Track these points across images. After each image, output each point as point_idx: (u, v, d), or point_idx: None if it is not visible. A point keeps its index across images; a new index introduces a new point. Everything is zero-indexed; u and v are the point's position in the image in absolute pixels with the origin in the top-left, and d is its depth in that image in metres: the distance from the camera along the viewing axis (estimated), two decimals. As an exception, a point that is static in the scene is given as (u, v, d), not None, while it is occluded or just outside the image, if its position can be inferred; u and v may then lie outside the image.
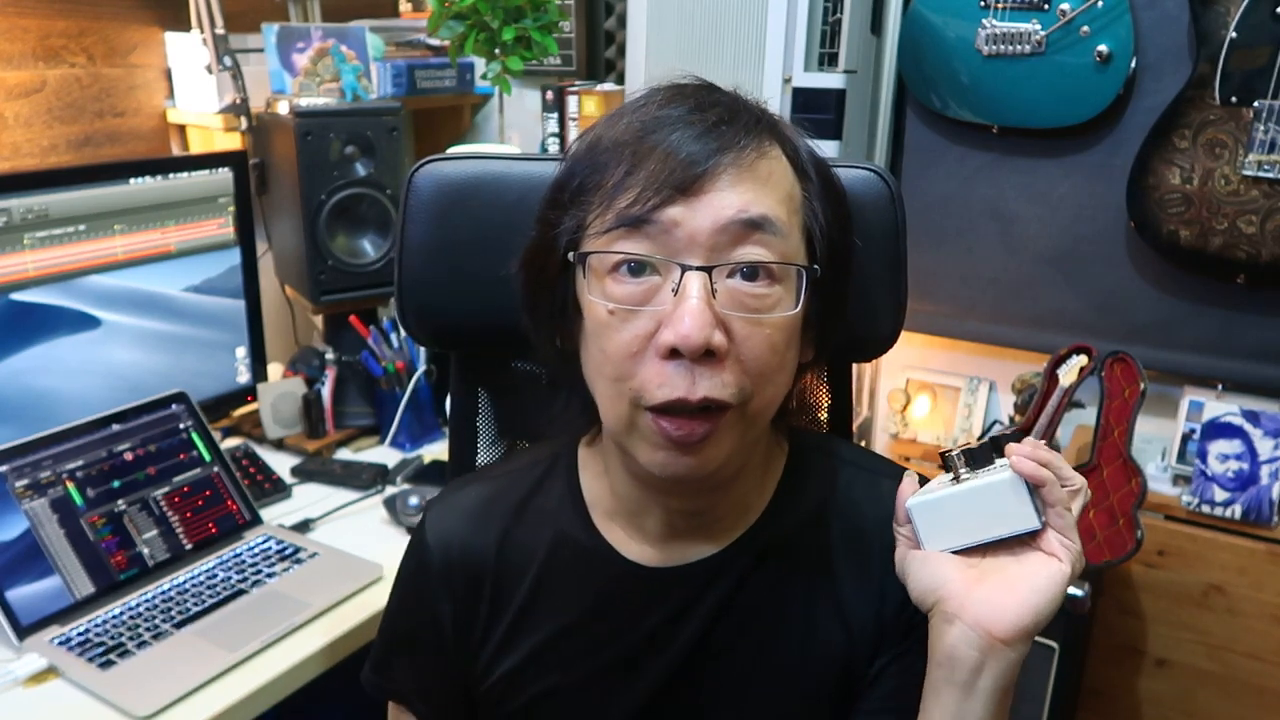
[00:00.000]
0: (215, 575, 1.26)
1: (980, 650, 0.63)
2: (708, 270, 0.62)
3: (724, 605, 0.75)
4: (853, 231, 0.73)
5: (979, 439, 0.69)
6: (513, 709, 0.79)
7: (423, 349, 1.70)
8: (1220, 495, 1.83)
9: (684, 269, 0.62)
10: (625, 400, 0.65)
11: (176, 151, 1.86)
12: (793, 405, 0.72)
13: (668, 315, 0.62)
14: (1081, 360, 1.81)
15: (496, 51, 1.84)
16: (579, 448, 0.81)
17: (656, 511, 0.74)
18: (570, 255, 0.67)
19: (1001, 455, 0.66)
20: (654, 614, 0.75)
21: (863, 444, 2.32)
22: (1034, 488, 0.64)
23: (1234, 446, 1.84)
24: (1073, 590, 1.69)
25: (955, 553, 0.66)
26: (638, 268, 0.64)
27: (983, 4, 1.86)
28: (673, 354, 0.62)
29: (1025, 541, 0.65)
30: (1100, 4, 1.77)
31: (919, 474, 0.73)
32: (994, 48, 1.86)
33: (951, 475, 0.67)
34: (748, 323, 0.64)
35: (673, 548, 0.75)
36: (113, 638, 1.14)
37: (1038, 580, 0.63)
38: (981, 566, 0.65)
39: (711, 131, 0.64)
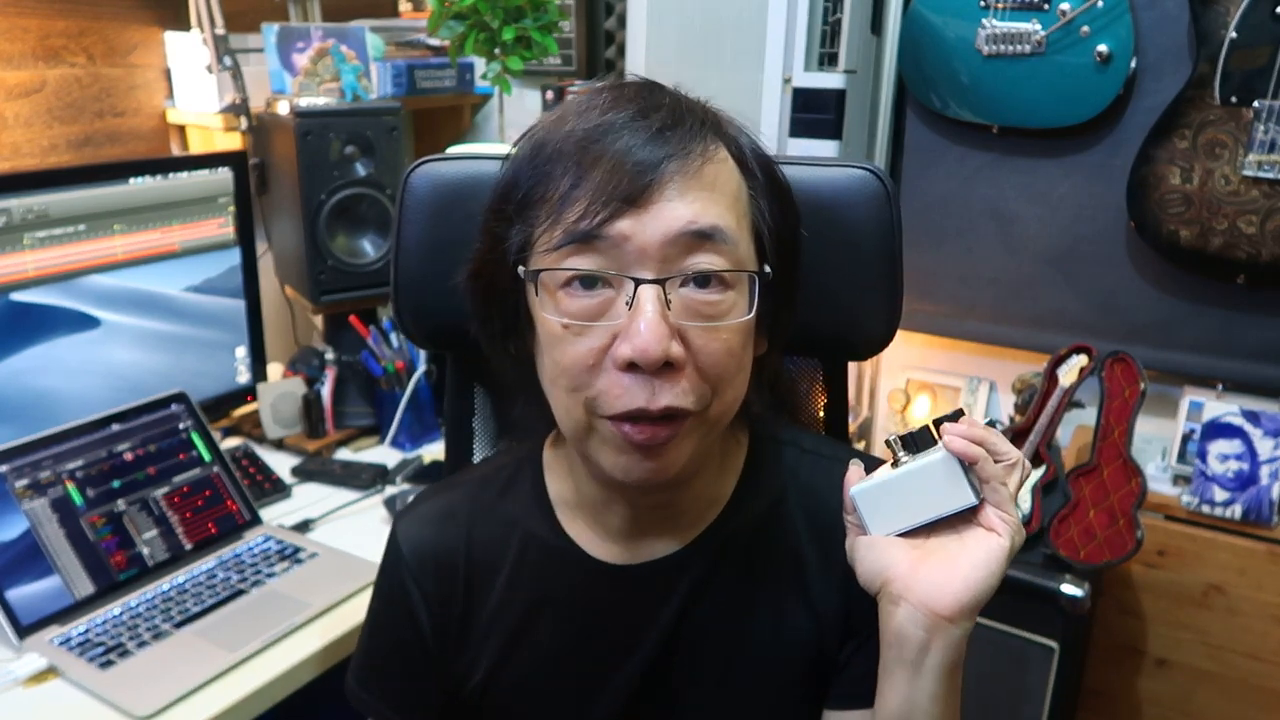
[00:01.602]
0: (215, 575, 1.26)
1: (926, 629, 0.64)
2: (660, 282, 0.62)
3: (691, 600, 0.76)
4: (799, 225, 0.73)
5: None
6: (491, 712, 0.80)
7: (422, 349, 1.70)
8: (1220, 495, 1.83)
9: (637, 282, 0.62)
10: (582, 409, 0.65)
11: (176, 151, 1.87)
12: (751, 398, 0.73)
13: (623, 329, 0.62)
14: (1081, 360, 1.81)
15: (496, 51, 1.84)
16: (544, 449, 0.82)
17: (619, 509, 0.75)
18: (521, 271, 0.67)
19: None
20: (623, 612, 0.76)
21: (862, 444, 2.32)
22: (967, 465, 0.65)
23: (1234, 446, 1.83)
24: (1073, 590, 1.69)
25: (901, 535, 0.68)
26: (590, 281, 0.64)
27: (983, 4, 1.85)
28: (631, 366, 0.62)
29: (967, 519, 0.66)
30: (1100, 4, 1.77)
31: (868, 457, 0.74)
32: (994, 48, 1.86)
33: (892, 460, 0.69)
34: (704, 330, 0.64)
35: (638, 545, 0.76)
36: (113, 638, 1.14)
37: (977, 556, 0.64)
38: (925, 547, 0.67)
39: (657, 138, 0.64)
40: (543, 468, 0.81)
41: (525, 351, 0.71)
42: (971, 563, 0.64)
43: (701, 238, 0.63)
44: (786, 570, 0.76)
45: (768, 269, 0.67)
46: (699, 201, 0.63)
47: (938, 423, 0.67)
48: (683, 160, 0.63)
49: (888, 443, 0.69)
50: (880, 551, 0.67)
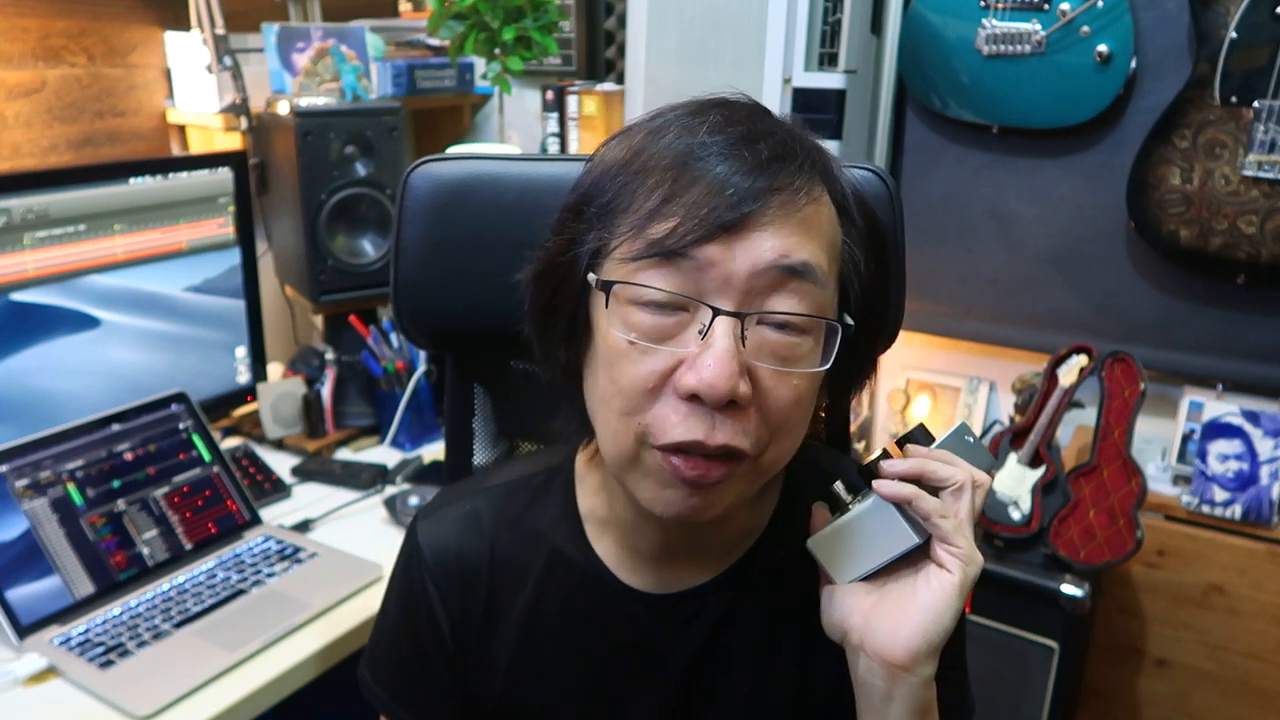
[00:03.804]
0: (215, 575, 1.26)
1: (885, 680, 0.64)
2: (740, 316, 0.59)
3: (718, 632, 0.73)
4: (890, 278, 0.70)
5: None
6: None
7: (422, 349, 1.70)
8: (1220, 495, 1.83)
9: (716, 312, 0.59)
10: (631, 436, 0.62)
11: (176, 151, 1.87)
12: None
13: (692, 357, 0.59)
14: (1081, 360, 1.81)
15: (496, 51, 1.85)
16: (577, 461, 0.78)
17: (650, 534, 0.72)
18: (591, 278, 0.63)
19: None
20: (647, 639, 0.74)
21: (862, 444, 2.32)
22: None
23: (1234, 446, 1.83)
24: (1073, 590, 1.69)
25: (864, 579, 0.66)
26: (665, 303, 0.60)
27: (983, 4, 1.86)
28: (693, 398, 0.59)
29: (924, 553, 0.64)
30: (1100, 4, 1.77)
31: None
32: (994, 48, 1.86)
33: (841, 507, 0.68)
34: (774, 374, 0.60)
35: (668, 572, 0.73)
36: (113, 638, 1.14)
37: (925, 597, 0.63)
38: (883, 590, 0.65)
39: (763, 168, 0.60)
40: (574, 480, 0.77)
41: (576, 357, 0.68)
42: (920, 606, 0.63)
43: (790, 273, 0.59)
44: (815, 605, 0.72)
45: (851, 322, 0.64)
46: (794, 237, 0.60)
47: (884, 455, 0.66)
48: (788, 196, 0.60)
49: (832, 489, 0.68)
50: (840, 600, 0.67)
